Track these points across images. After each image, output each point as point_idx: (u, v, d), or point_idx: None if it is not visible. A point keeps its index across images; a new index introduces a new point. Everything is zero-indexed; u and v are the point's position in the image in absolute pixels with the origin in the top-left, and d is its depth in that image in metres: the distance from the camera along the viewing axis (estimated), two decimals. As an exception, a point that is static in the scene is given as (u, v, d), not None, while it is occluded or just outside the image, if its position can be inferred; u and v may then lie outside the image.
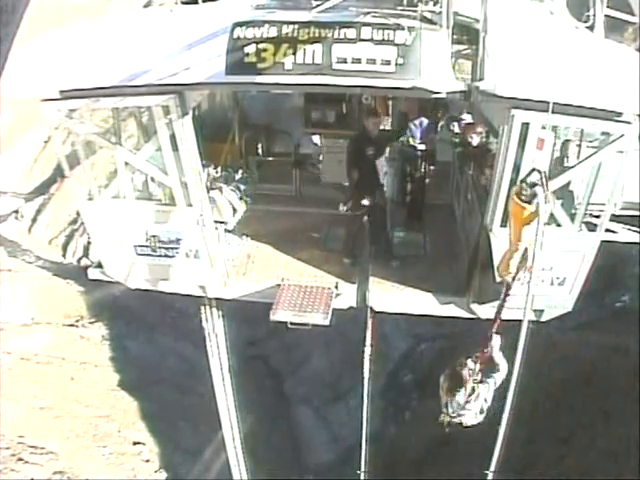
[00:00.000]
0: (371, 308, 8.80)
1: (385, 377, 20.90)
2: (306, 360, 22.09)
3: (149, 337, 20.13)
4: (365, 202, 8.98)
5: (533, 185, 5.75)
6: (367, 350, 9.22)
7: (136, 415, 17.67)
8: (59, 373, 17.18)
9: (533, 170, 5.87)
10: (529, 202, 5.79)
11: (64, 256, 21.28)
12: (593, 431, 14.72)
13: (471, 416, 7.31)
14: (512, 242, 6.35)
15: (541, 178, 5.71)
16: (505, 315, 8.40)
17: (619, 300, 19.61)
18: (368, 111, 9.54)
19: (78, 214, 19.53)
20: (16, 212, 21.62)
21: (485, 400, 7.32)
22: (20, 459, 14.31)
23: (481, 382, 7.27)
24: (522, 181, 5.93)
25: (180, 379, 19.08)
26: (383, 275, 9.01)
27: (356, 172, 8.98)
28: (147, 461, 16.88)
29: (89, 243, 20.52)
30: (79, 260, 21.15)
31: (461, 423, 7.38)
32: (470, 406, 7.23)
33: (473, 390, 7.21)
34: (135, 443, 17.04)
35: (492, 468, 9.00)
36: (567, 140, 8.26)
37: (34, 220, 21.58)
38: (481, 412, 7.35)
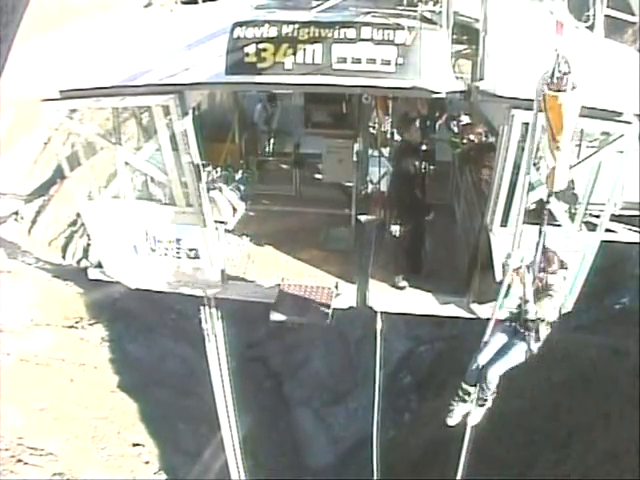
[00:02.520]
0: (371, 308, 8.82)
1: (384, 379, 20.80)
2: (305, 362, 22.08)
3: (148, 339, 20.11)
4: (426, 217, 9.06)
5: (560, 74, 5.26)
6: (378, 351, 9.22)
7: (135, 417, 17.63)
8: (58, 374, 17.13)
9: (557, 56, 5.37)
10: (559, 90, 5.29)
11: (64, 258, 21.27)
12: (593, 433, 14.67)
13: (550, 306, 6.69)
14: (554, 136, 5.46)
15: (566, 62, 5.28)
16: (505, 315, 8.39)
17: (619, 302, 19.60)
18: (405, 125, 9.52)
19: (78, 216, 19.58)
20: (16, 214, 21.63)
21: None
22: (19, 460, 14.25)
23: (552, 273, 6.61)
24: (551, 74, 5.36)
25: (179, 381, 19.06)
26: (383, 275, 9.02)
27: (410, 186, 8.94)
28: (147, 463, 16.84)
29: (89, 245, 20.52)
30: (79, 262, 21.13)
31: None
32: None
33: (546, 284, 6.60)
34: (134, 445, 16.99)
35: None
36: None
37: (34, 222, 21.57)
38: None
